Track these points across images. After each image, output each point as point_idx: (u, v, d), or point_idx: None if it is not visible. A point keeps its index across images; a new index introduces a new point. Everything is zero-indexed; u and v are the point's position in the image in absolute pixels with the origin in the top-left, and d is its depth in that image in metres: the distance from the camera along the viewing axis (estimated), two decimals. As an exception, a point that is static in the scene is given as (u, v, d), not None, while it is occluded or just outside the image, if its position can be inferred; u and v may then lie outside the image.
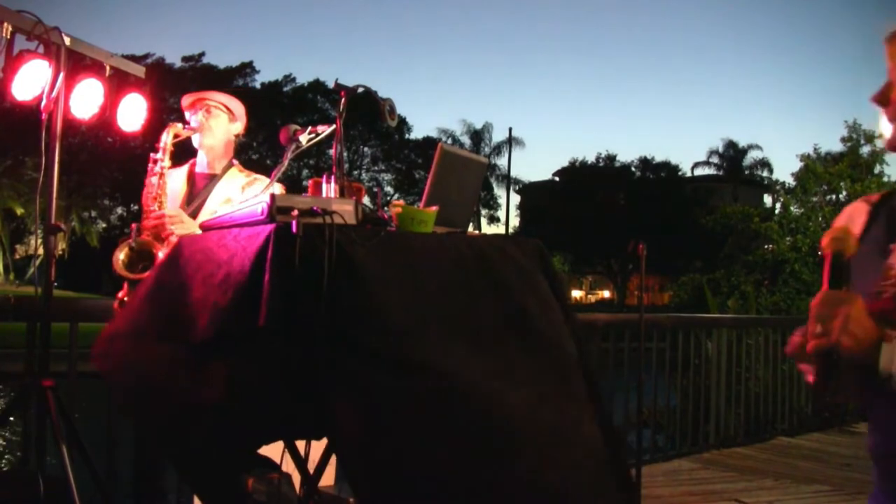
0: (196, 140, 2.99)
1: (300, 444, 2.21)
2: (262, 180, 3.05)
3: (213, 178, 3.03)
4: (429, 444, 1.78)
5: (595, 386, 2.19)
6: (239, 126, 3.13)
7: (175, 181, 3.00)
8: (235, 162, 3.12)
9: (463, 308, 1.99)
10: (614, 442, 2.15)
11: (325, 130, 2.32)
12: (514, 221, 45.34)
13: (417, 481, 1.77)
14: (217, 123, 3.02)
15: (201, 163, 3.07)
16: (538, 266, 2.26)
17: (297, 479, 2.38)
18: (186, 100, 3.05)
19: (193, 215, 2.90)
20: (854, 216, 1.39)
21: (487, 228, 43.63)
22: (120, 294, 2.72)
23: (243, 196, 2.95)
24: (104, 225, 36.70)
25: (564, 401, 2.04)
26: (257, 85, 41.21)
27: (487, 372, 1.90)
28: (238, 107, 3.11)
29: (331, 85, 2.26)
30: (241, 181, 3.04)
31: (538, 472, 1.86)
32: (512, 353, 2.00)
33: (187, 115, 3.03)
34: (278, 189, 3.02)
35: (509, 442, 1.84)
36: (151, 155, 2.91)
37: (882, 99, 1.29)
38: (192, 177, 3.04)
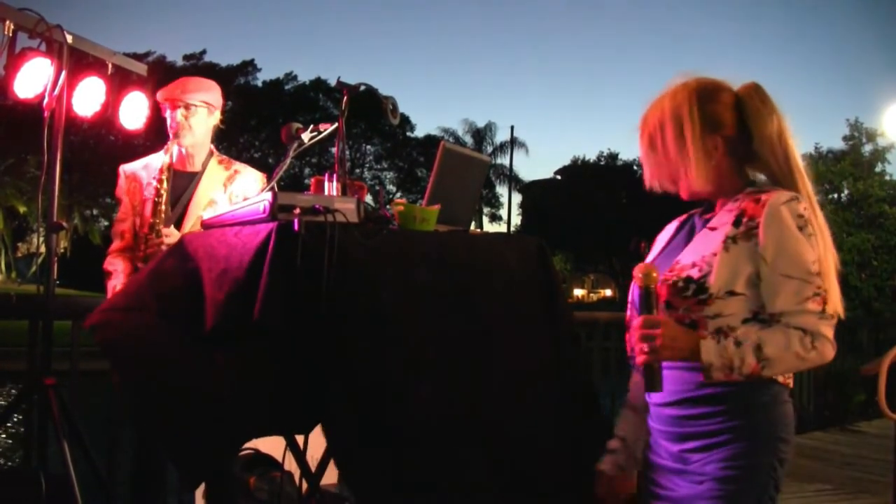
0: (175, 137, 2.91)
1: (299, 440, 2.21)
2: (243, 172, 3.01)
3: (193, 178, 2.95)
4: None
5: (576, 388, 2.20)
6: (217, 115, 3.02)
7: (149, 174, 2.93)
8: (214, 150, 3.03)
9: (457, 307, 1.99)
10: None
11: (327, 129, 2.31)
12: (516, 220, 45.38)
13: (409, 467, 1.80)
14: (197, 121, 2.92)
15: (179, 159, 2.97)
16: (533, 267, 2.26)
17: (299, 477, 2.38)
18: (163, 94, 2.93)
19: (178, 221, 2.87)
20: (668, 229, 1.84)
21: (489, 227, 43.69)
22: None
23: (226, 195, 2.92)
24: (106, 223, 36.67)
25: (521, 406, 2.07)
26: (259, 83, 41.31)
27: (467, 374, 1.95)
28: (216, 97, 2.99)
29: (333, 83, 2.27)
30: (221, 176, 2.97)
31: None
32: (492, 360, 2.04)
33: (164, 108, 2.93)
34: (257, 179, 3.00)
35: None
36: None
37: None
38: (170, 174, 2.93)
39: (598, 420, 2.23)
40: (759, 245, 1.55)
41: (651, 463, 1.75)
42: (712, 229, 1.63)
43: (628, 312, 1.80)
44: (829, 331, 1.54)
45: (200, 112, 2.94)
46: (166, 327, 1.89)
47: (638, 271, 1.59)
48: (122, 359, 2.02)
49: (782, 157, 1.64)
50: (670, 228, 1.84)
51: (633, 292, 1.76)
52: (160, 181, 2.88)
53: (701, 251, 1.60)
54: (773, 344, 1.51)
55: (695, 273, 1.57)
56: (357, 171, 40.09)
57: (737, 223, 1.58)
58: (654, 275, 1.58)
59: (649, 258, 1.80)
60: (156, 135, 2.95)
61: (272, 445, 2.43)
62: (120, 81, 2.86)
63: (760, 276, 1.55)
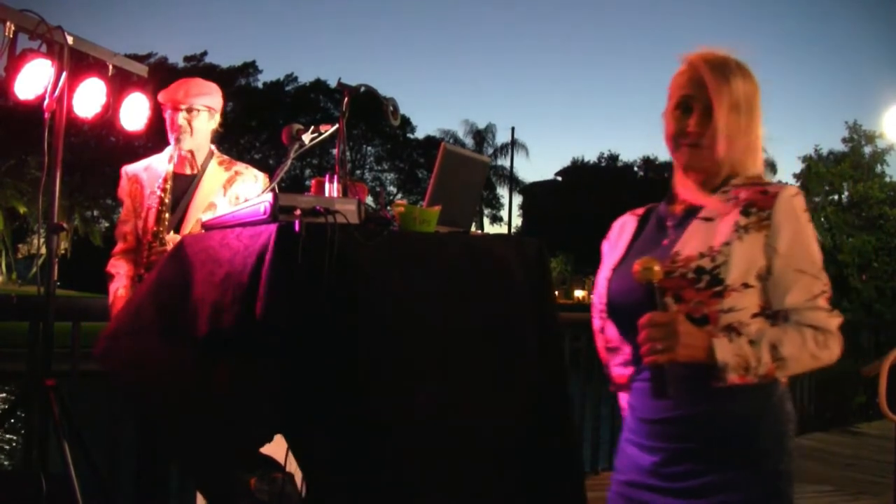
0: (176, 141, 2.90)
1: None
2: (244, 173, 2.99)
3: (192, 180, 2.93)
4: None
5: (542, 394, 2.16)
6: (217, 118, 3.01)
7: (151, 178, 2.92)
8: (214, 150, 3.01)
9: (457, 309, 1.99)
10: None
11: (327, 130, 2.31)
12: (517, 221, 45.38)
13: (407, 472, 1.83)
14: (198, 125, 2.91)
15: (179, 161, 2.95)
16: (533, 269, 2.26)
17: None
18: (164, 96, 2.92)
19: (178, 226, 2.85)
20: (625, 226, 1.73)
21: (490, 228, 43.66)
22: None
23: (226, 197, 2.91)
24: (107, 224, 36.66)
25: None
26: (259, 84, 41.35)
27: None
28: (217, 101, 2.98)
29: (333, 84, 2.27)
30: (221, 178, 2.95)
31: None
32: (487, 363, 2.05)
33: (165, 110, 2.92)
34: (259, 179, 3.00)
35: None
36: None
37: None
38: (172, 177, 2.92)
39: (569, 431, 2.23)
40: (771, 237, 1.47)
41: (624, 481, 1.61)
42: (707, 220, 1.53)
43: (595, 321, 1.69)
44: (837, 328, 1.49)
45: (202, 115, 2.93)
46: (168, 344, 1.90)
47: (637, 265, 1.46)
48: (129, 385, 2.06)
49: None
50: (628, 225, 1.72)
51: (604, 291, 1.65)
52: (164, 189, 2.87)
53: (707, 241, 1.50)
54: (790, 343, 1.44)
55: (706, 263, 1.47)
56: (358, 172, 40.09)
57: (745, 213, 1.49)
58: (657, 268, 1.45)
59: (612, 257, 1.69)
60: (156, 136, 2.93)
61: (272, 446, 2.43)
62: (120, 83, 2.85)
63: (771, 269, 1.47)
